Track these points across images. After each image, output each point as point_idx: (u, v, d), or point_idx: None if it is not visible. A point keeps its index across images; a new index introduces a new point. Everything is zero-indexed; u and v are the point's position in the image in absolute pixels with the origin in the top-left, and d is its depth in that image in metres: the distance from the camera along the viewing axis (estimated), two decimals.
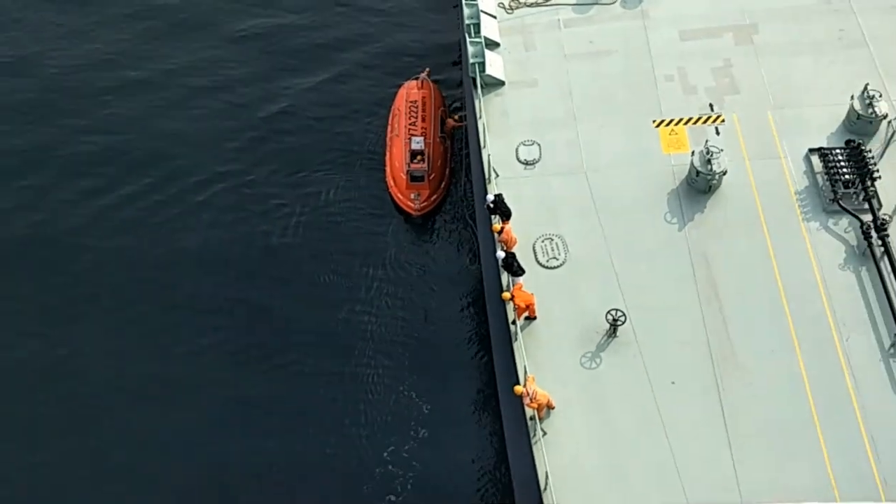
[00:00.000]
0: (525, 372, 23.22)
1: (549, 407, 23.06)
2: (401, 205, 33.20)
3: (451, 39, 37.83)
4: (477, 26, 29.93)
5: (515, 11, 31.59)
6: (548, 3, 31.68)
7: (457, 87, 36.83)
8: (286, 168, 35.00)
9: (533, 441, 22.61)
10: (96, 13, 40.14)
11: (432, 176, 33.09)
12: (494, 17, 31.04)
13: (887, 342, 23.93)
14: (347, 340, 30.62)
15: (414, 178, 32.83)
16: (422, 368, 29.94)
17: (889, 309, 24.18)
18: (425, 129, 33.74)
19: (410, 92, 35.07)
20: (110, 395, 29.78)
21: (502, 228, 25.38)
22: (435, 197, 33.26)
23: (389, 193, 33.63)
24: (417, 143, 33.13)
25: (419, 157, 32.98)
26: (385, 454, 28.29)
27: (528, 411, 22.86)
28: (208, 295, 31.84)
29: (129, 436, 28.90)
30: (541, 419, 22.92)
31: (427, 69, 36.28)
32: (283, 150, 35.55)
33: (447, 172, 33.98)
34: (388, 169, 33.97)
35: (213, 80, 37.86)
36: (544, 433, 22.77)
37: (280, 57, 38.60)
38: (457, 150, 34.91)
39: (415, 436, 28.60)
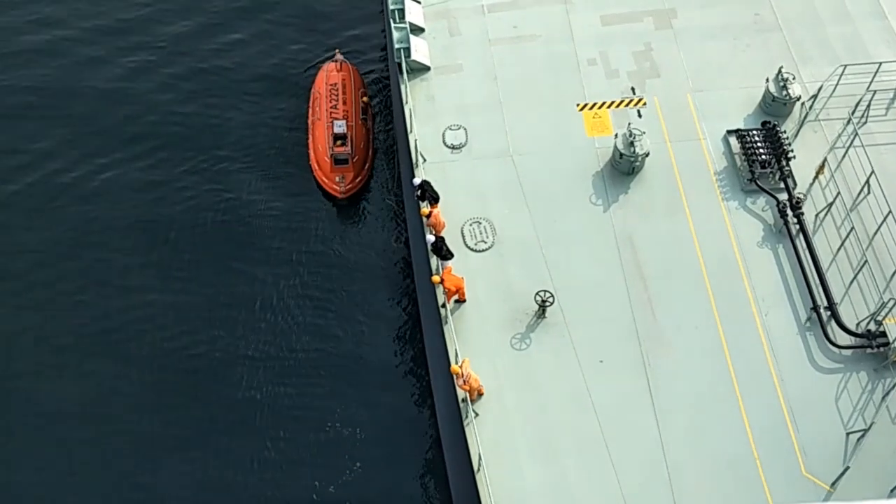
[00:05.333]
0: (457, 355, 23.38)
1: (480, 393, 23.28)
2: (326, 188, 33.08)
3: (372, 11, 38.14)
4: (401, 11, 29.85)
5: None
6: None
7: (379, 62, 36.87)
8: (207, 151, 34.44)
9: (465, 423, 22.82)
10: None
11: (356, 158, 33.04)
12: (419, 3, 31.00)
13: (803, 316, 24.77)
14: (272, 327, 30.38)
15: (338, 161, 32.76)
16: (351, 356, 29.84)
17: (805, 284, 25.02)
18: (346, 111, 33.65)
19: (330, 75, 34.88)
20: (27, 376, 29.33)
21: (430, 213, 25.46)
22: (360, 179, 33.22)
23: (314, 177, 33.44)
24: (339, 127, 33.01)
25: (342, 141, 32.91)
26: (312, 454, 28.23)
27: (460, 393, 23.06)
28: (118, 287, 31.22)
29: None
30: (472, 402, 23.14)
31: (337, 49, 36.26)
32: (202, 132, 35.00)
33: (370, 153, 33.96)
34: (311, 153, 33.78)
35: (121, 47, 37.39)
36: (476, 415, 23.00)
37: (200, 22, 38.33)
38: (379, 130, 34.89)
39: (346, 427, 28.57)
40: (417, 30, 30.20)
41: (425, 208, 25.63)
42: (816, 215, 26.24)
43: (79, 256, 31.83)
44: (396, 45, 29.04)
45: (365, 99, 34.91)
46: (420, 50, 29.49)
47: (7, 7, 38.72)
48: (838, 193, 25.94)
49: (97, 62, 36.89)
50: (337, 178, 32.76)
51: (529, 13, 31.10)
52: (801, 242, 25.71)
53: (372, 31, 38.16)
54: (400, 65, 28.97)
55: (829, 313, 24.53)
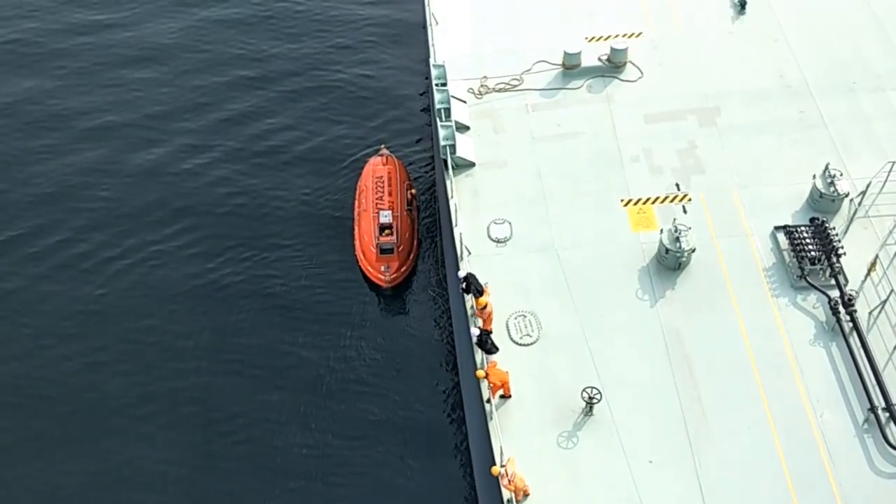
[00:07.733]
0: (501, 452, 22.84)
1: (525, 493, 22.61)
2: (371, 277, 33.42)
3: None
4: (448, 111, 30.43)
5: (485, 96, 32.23)
6: (516, 88, 32.41)
7: (425, 155, 37.70)
8: (255, 237, 35.12)
9: None
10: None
11: (401, 248, 33.48)
12: (464, 102, 31.66)
13: (860, 418, 23.94)
14: (314, 418, 30.19)
15: (383, 250, 33.22)
16: (394, 448, 29.38)
17: (861, 385, 24.27)
18: (392, 202, 34.33)
19: (376, 168, 35.90)
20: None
21: (486, 304, 25.14)
22: (404, 268, 33.55)
23: (359, 267, 33.76)
24: (385, 217, 33.67)
25: (387, 231, 33.39)
26: None
27: (506, 493, 22.44)
28: (162, 377, 31.40)
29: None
30: (517, 503, 22.48)
31: (382, 144, 37.33)
32: (250, 218, 35.85)
33: (415, 244, 34.34)
34: (357, 243, 34.33)
35: (173, 132, 38.96)
36: None
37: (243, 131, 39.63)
38: (424, 222, 35.28)
39: None
40: (463, 128, 30.74)
41: (483, 299, 25.28)
42: (870, 313, 25.65)
43: (130, 331, 32.47)
44: (442, 143, 29.51)
45: (413, 191, 35.49)
46: (465, 147, 29.96)
47: (71, 94, 41.07)
48: (892, 290, 25.38)
49: (149, 145, 38.46)
50: (382, 268, 33.12)
51: (573, 111, 31.54)
52: (854, 340, 25.05)
53: (417, 122, 39.09)
54: (446, 161, 29.39)
55: (887, 414, 23.68)
